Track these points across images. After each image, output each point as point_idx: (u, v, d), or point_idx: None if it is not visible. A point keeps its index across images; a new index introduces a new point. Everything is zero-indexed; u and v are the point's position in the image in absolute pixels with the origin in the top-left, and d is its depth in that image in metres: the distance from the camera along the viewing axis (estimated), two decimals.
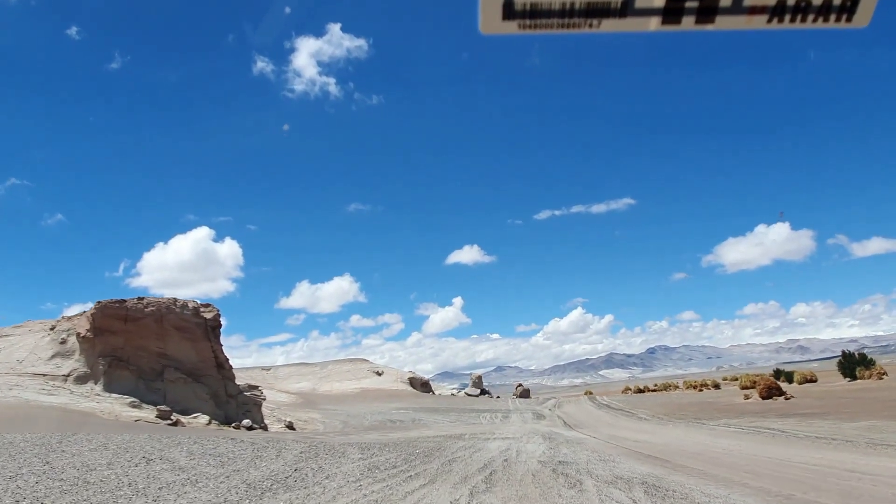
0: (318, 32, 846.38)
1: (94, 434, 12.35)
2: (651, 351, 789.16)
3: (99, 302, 31.63)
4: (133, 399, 29.61)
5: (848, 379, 51.67)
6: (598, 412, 39.20)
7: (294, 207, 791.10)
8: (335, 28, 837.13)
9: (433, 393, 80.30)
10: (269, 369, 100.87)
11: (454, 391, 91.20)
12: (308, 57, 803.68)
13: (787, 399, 33.21)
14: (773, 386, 36.16)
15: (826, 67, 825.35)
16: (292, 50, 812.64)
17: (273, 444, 13.36)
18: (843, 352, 61.24)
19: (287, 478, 9.81)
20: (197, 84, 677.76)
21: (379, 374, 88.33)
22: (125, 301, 31.89)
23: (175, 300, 33.36)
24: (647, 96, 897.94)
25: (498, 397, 79.24)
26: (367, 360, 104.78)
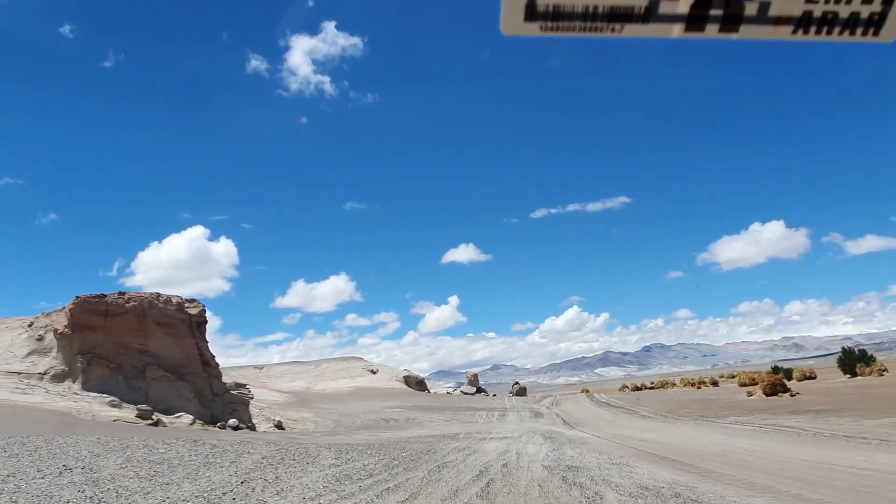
0: (313, 31, 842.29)
1: (36, 436, 10.86)
2: (647, 349, 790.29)
3: (77, 297, 30.27)
4: (112, 398, 28.28)
5: (848, 376, 50.86)
6: (598, 410, 38.15)
7: (289, 206, 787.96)
8: (330, 26, 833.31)
9: (428, 391, 79.15)
10: (262, 368, 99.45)
11: (450, 389, 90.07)
12: (303, 55, 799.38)
13: (792, 396, 32.19)
14: (777, 382, 35.18)
15: (821, 67, 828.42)
16: (287, 48, 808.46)
17: (238, 446, 11.85)
18: (844, 348, 60.44)
19: (225, 494, 7.95)
20: (191, 82, 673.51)
21: (374, 372, 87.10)
22: (105, 296, 30.55)
23: (158, 295, 32.06)
24: (642, 94, 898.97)
25: (494, 395, 78.20)
26: (361, 359, 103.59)
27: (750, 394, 36.74)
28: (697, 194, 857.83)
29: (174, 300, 31.96)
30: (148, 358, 30.44)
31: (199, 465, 9.52)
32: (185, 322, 32.03)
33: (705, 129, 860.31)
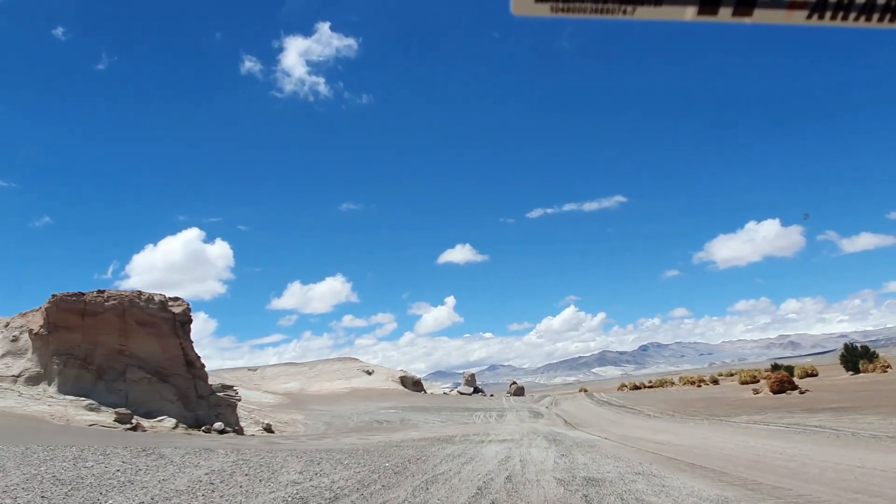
0: (307, 32, 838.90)
1: None
2: (643, 348, 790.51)
3: (54, 295, 28.83)
4: (90, 401, 26.86)
5: (851, 372, 49.96)
6: (600, 409, 36.94)
7: (285, 207, 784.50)
8: (324, 27, 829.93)
9: (425, 392, 77.80)
10: (255, 369, 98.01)
11: (447, 390, 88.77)
12: (297, 56, 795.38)
13: (801, 393, 31.01)
14: (784, 380, 33.97)
15: (814, 66, 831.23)
16: (280, 49, 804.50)
17: (189, 457, 10.10)
18: (846, 345, 59.63)
19: None
20: (185, 84, 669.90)
21: (369, 373, 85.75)
22: (83, 294, 29.10)
23: (140, 293, 30.64)
24: (637, 93, 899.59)
25: (492, 395, 76.95)
26: (357, 360, 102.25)
27: (756, 391, 35.60)
28: (693, 193, 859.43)
29: (156, 298, 30.54)
30: (128, 359, 29.03)
31: (116, 485, 7.33)
32: (169, 321, 30.61)
33: (700, 127, 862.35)
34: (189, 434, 26.82)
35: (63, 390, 27.20)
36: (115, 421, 25.44)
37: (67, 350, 28.08)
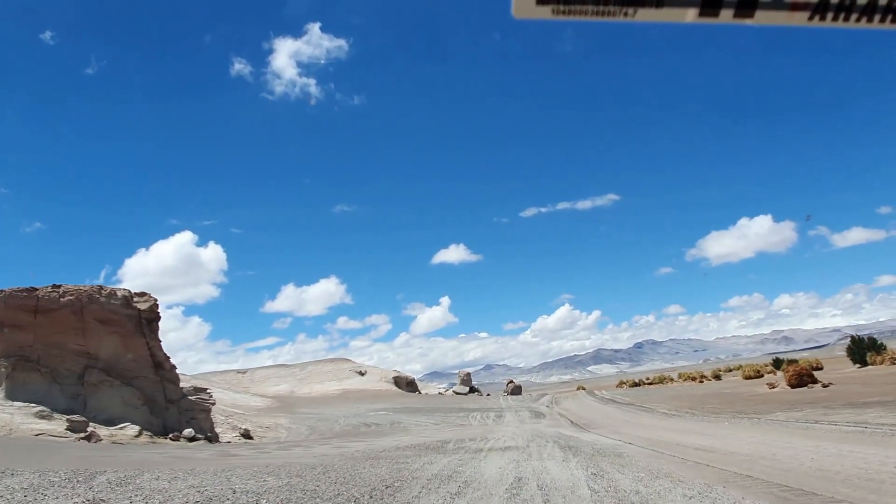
0: (297, 33, 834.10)
1: None
2: (638, 345, 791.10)
3: (2, 291, 25.98)
4: (42, 408, 24.09)
5: (858, 365, 47.88)
6: (606, 408, 34.47)
7: (278, 210, 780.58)
8: (314, 28, 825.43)
9: (419, 392, 75.21)
10: (244, 372, 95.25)
11: (442, 390, 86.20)
12: (287, 58, 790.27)
13: (825, 387, 28.64)
14: (804, 373, 31.62)
15: (804, 65, 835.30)
16: (270, 51, 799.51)
17: (23, 495, 7.31)
18: (853, 337, 57.76)
19: None
20: (175, 87, 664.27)
21: (362, 374, 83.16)
22: (35, 290, 26.30)
23: (100, 288, 27.82)
24: (629, 91, 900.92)
25: (488, 395, 74.53)
26: (349, 360, 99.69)
27: (772, 385, 33.29)
28: (685, 190, 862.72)
29: (119, 293, 27.76)
30: (87, 360, 26.25)
31: None
32: (134, 319, 27.84)
33: (692, 126, 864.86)
34: (154, 443, 24.08)
35: (12, 396, 24.40)
36: (66, 429, 22.69)
37: (18, 351, 25.29)
